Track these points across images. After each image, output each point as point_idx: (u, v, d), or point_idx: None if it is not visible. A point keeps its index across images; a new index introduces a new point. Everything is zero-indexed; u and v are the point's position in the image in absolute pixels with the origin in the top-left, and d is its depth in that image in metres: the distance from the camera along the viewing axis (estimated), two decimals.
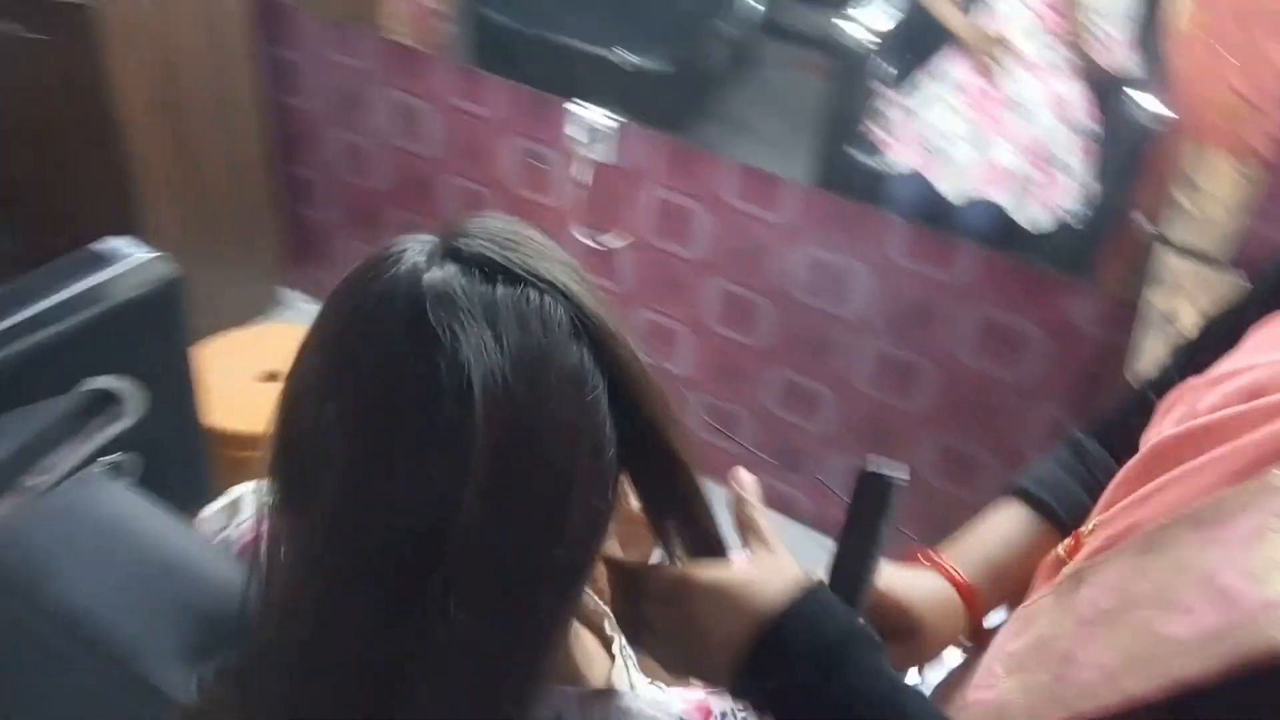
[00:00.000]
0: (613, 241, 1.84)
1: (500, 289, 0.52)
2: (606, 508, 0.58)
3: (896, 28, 2.11)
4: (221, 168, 1.97)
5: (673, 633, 0.64)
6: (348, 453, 0.51)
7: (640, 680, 0.71)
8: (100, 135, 1.80)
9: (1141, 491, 0.58)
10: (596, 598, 0.79)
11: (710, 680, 0.64)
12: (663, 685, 0.74)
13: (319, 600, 0.53)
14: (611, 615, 0.78)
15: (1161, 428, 0.61)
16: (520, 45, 2.41)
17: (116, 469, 1.30)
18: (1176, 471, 0.56)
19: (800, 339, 1.79)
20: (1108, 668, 0.54)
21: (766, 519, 0.65)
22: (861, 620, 0.59)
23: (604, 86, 2.27)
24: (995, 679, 0.65)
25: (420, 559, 0.51)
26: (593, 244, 1.85)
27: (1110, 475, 0.65)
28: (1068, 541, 0.65)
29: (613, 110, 1.77)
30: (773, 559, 0.63)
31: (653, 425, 0.58)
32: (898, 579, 0.69)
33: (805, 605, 0.58)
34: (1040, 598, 0.65)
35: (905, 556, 0.73)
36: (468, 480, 0.50)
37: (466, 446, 0.50)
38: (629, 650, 0.75)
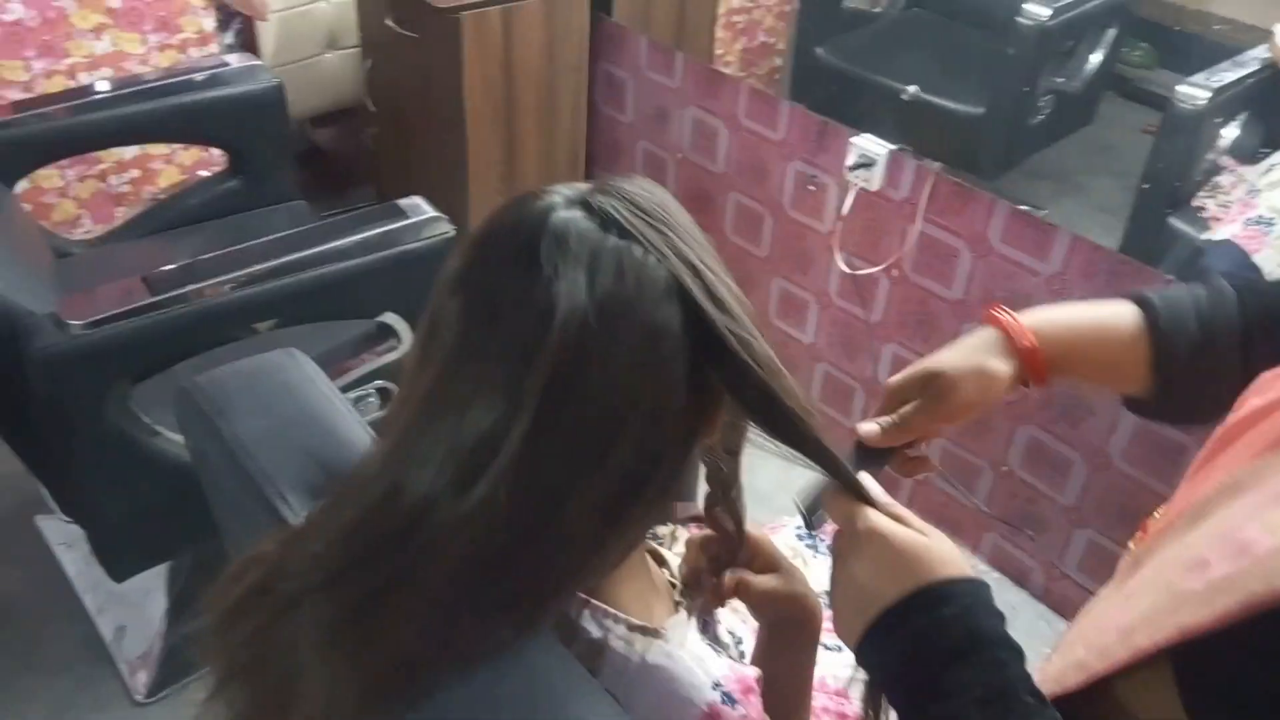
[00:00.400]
0: (872, 271, 1.86)
1: (611, 240, 0.60)
2: (667, 459, 0.62)
3: (1255, 97, 1.93)
4: (540, 166, 2.22)
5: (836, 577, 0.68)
6: (455, 339, 0.61)
7: (694, 637, 0.75)
8: (448, 124, 2.11)
9: (1200, 475, 0.57)
10: (667, 550, 0.84)
11: (844, 627, 0.66)
12: (717, 650, 0.78)
13: (400, 444, 0.62)
14: (676, 568, 0.83)
15: (1238, 411, 0.59)
16: (839, 82, 2.48)
17: (381, 394, 1.54)
18: (1230, 450, 0.55)
19: (1053, 398, 1.69)
20: (1124, 627, 0.53)
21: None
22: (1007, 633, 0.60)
23: (910, 125, 2.28)
24: (1047, 663, 0.64)
25: (484, 444, 0.59)
26: (850, 270, 1.88)
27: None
28: (1138, 534, 0.64)
29: (910, 149, 1.78)
30: (942, 540, 0.64)
31: (764, 395, 0.62)
32: (936, 355, 0.78)
33: (969, 587, 0.61)
34: (1106, 587, 0.64)
35: (982, 317, 0.80)
36: (524, 393, 0.58)
37: (536, 361, 0.58)
38: (693, 606, 0.80)
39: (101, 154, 2.00)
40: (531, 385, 0.57)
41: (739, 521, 0.78)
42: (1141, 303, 0.76)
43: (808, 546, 1.09)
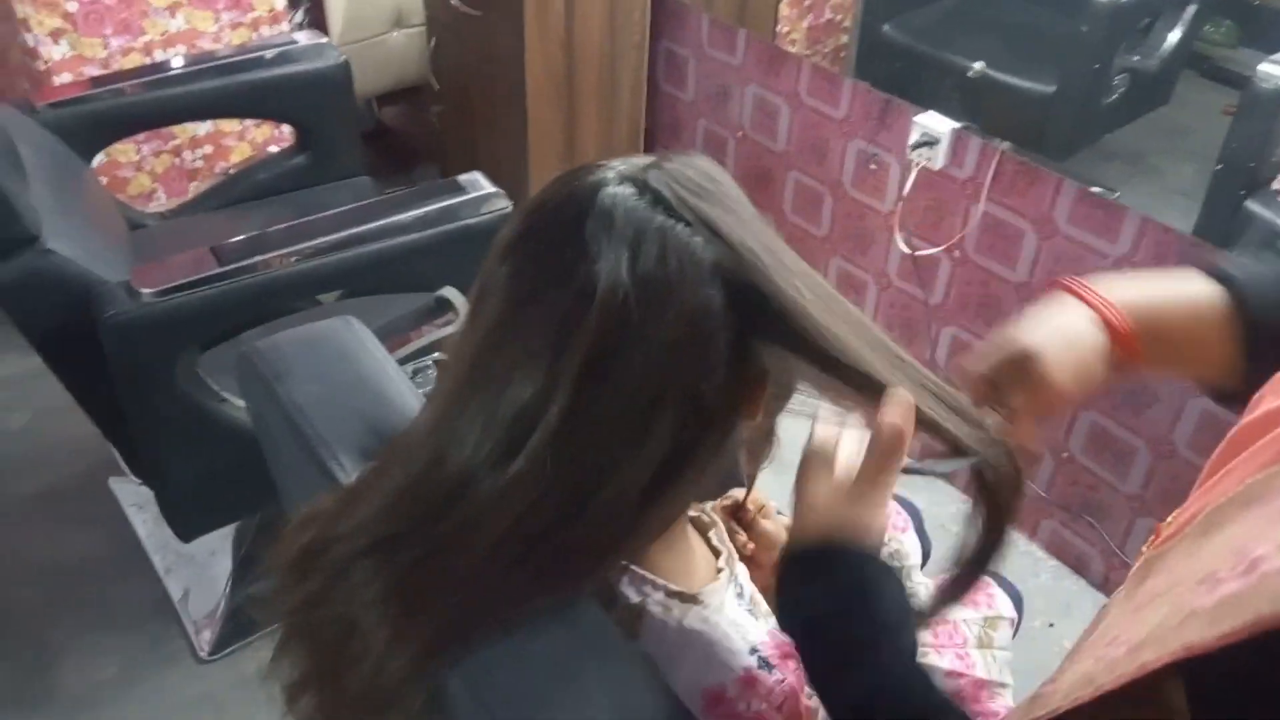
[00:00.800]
0: (932, 251, 1.83)
1: (658, 218, 0.60)
2: (709, 439, 0.63)
3: None
4: (600, 143, 2.23)
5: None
6: (500, 308, 0.61)
7: (733, 603, 0.76)
8: (510, 102, 2.13)
9: (1212, 480, 0.54)
10: (714, 516, 0.85)
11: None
12: (757, 615, 0.78)
13: (444, 412, 0.64)
14: (724, 533, 0.83)
15: (1253, 412, 0.56)
16: (905, 59, 2.44)
17: (439, 366, 1.56)
18: (1244, 454, 0.52)
19: (1117, 386, 1.66)
20: (1133, 642, 0.52)
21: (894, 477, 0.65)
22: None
23: (977, 103, 2.24)
24: (1058, 673, 0.63)
25: (523, 418, 0.60)
26: (910, 251, 1.85)
27: None
28: (1150, 537, 0.61)
29: (975, 128, 1.75)
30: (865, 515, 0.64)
31: (822, 353, 0.61)
32: (1020, 331, 0.71)
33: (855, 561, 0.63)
34: (1116, 593, 0.62)
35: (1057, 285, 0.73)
36: (563, 370, 0.59)
37: (575, 338, 0.58)
38: (738, 573, 0.80)
39: (175, 130, 2.05)
40: (569, 362, 0.58)
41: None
42: (1223, 279, 0.67)
43: None
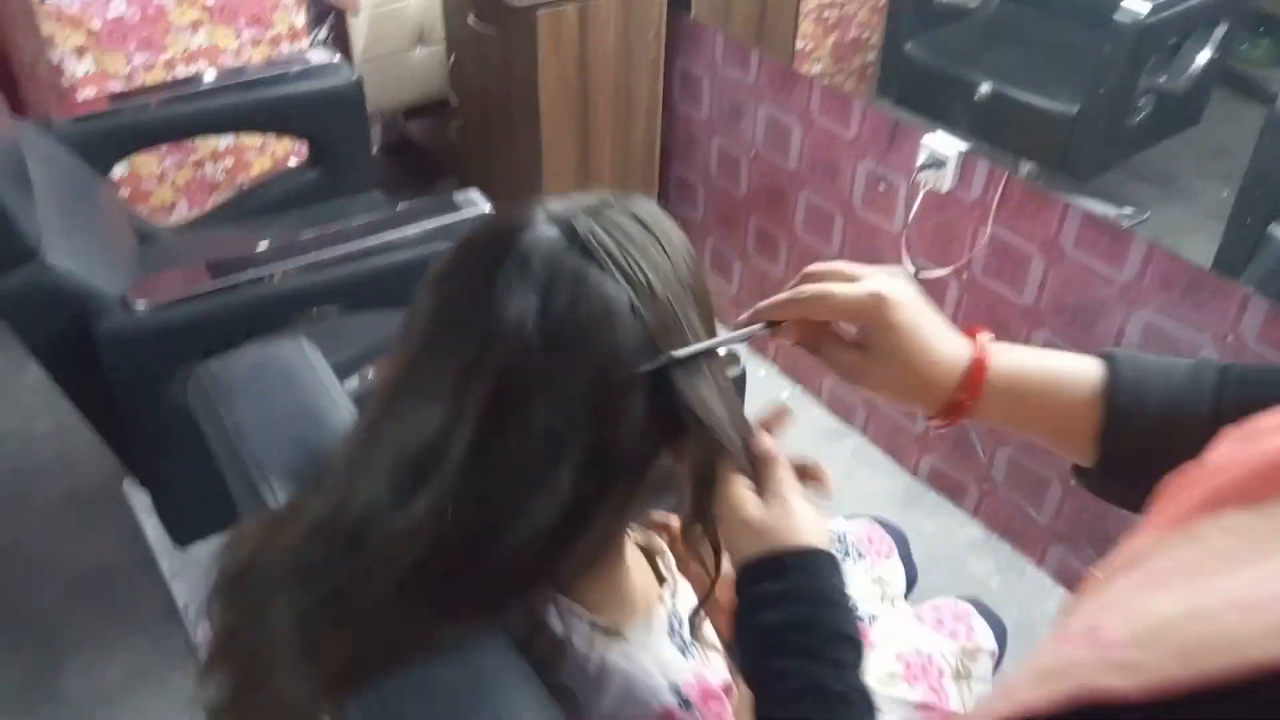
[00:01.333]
0: (939, 273, 1.81)
1: (574, 264, 0.59)
2: (621, 481, 0.63)
3: None
4: (613, 160, 2.23)
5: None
6: (418, 341, 0.62)
7: (660, 638, 0.75)
8: (525, 119, 2.14)
9: (1130, 535, 0.54)
10: (662, 543, 0.84)
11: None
12: (695, 654, 0.78)
13: (360, 444, 0.65)
14: (671, 560, 0.83)
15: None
16: (927, 78, 2.42)
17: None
18: (1153, 513, 0.51)
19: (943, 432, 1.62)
20: (1009, 683, 0.51)
21: (790, 474, 0.66)
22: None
23: (999, 123, 2.21)
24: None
25: (427, 455, 0.60)
26: (918, 272, 1.83)
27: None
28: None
29: (982, 149, 1.73)
30: (797, 518, 0.64)
31: (702, 429, 0.62)
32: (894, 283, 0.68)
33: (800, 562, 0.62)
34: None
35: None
36: (466, 408, 0.58)
37: (476, 380, 0.58)
38: (677, 606, 0.80)
39: (198, 143, 2.10)
40: (471, 403, 0.58)
41: (716, 547, 0.73)
42: (1109, 362, 0.65)
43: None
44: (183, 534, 1.53)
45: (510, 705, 0.58)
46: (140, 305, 1.31)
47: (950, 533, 1.97)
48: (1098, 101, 2.19)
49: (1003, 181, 1.68)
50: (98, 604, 1.78)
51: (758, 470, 0.66)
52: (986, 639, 1.13)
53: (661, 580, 0.83)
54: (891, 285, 0.66)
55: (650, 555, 0.84)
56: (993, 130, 2.25)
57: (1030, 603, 1.82)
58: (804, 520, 0.63)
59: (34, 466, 2.04)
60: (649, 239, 0.63)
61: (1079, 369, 0.66)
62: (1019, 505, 1.85)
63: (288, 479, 0.74)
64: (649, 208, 0.65)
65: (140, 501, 1.94)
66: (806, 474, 0.68)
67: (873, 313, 0.65)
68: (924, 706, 1.04)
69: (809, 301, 0.67)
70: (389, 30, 2.41)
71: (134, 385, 1.35)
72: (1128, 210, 2.20)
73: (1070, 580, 1.81)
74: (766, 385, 2.30)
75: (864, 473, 2.09)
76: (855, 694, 0.60)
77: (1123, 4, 2.03)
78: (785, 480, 0.65)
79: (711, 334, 0.66)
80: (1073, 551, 1.79)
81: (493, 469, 0.59)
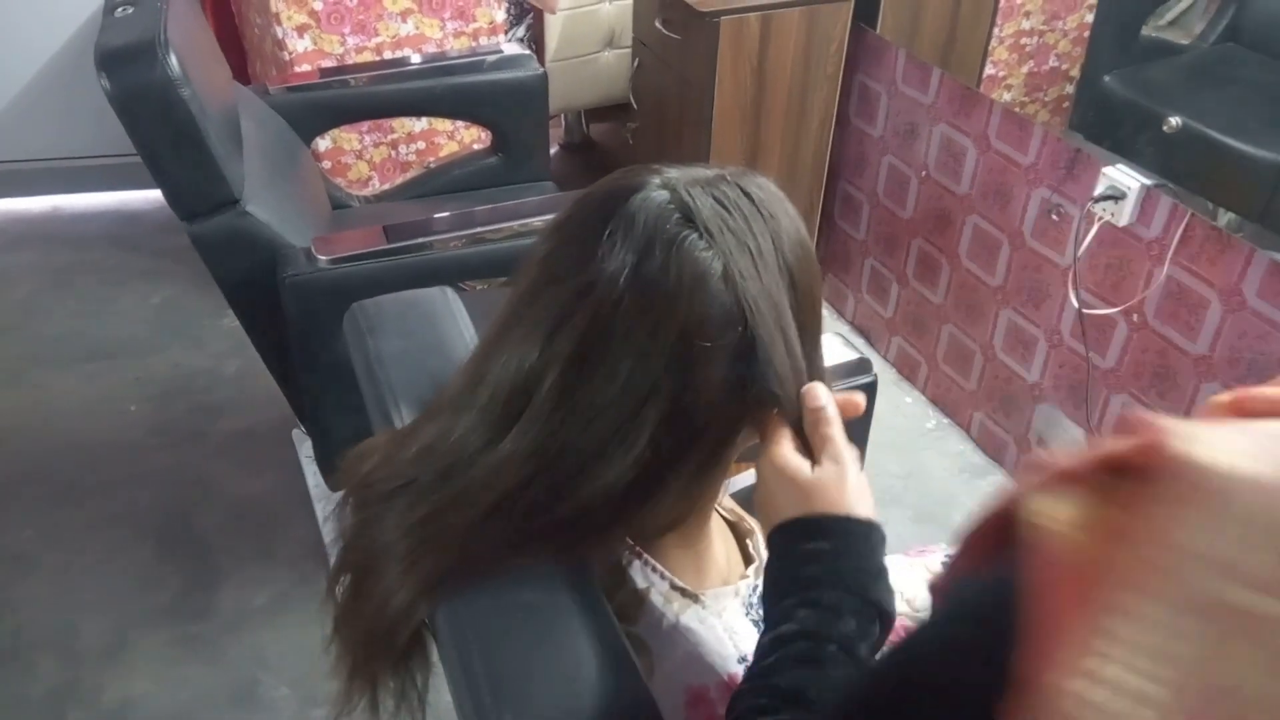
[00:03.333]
0: (1108, 311, 1.73)
1: (675, 229, 0.62)
2: (700, 445, 0.65)
3: None
4: (780, 172, 2.25)
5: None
6: (528, 285, 0.67)
7: (736, 610, 0.76)
8: (697, 125, 2.19)
9: None
10: (754, 523, 0.85)
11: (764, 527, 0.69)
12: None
13: (467, 378, 0.69)
14: (761, 541, 0.84)
15: None
16: (1122, 113, 2.31)
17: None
18: None
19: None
20: None
21: (843, 435, 0.67)
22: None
23: (1194, 167, 2.09)
24: None
25: (519, 396, 0.64)
26: (1083, 309, 1.75)
27: None
28: None
29: (1169, 185, 1.65)
30: (844, 481, 0.65)
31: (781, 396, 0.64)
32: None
33: (845, 526, 0.63)
34: None
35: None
36: (555, 353, 0.62)
37: (565, 329, 0.62)
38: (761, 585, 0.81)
39: (395, 125, 2.26)
40: (561, 346, 0.62)
41: None
42: None
43: None
44: (335, 480, 1.65)
45: (583, 631, 0.61)
46: (321, 258, 1.42)
47: None
48: None
49: (1185, 220, 1.59)
50: (255, 535, 1.93)
51: (811, 431, 0.66)
52: None
53: (749, 560, 0.84)
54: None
55: (740, 534, 0.86)
56: (1185, 172, 2.12)
57: None
58: (855, 486, 0.64)
59: (218, 403, 2.23)
60: (755, 214, 0.64)
61: None
62: None
63: (416, 406, 0.80)
64: (764, 185, 0.67)
65: (305, 448, 2.09)
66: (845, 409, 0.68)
67: None
68: None
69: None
70: (582, 31, 2.51)
71: (308, 333, 1.47)
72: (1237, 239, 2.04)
73: None
74: (913, 412, 2.25)
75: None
76: (845, 657, 0.60)
77: None
78: (839, 443, 0.66)
79: (812, 320, 0.67)
80: None
81: (576, 416, 0.62)
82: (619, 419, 0.61)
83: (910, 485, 2.07)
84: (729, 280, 0.61)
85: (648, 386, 0.61)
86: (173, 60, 1.31)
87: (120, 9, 1.39)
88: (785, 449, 0.65)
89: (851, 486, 0.63)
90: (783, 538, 0.64)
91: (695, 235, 0.61)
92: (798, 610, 0.60)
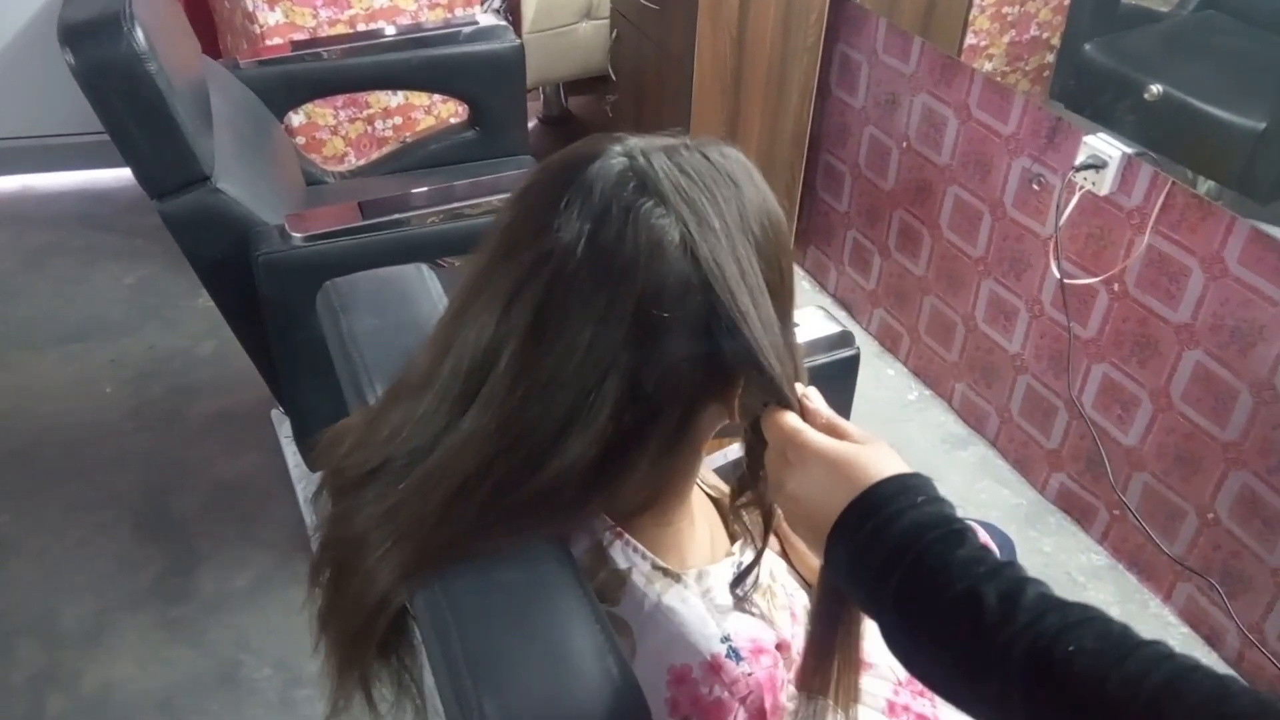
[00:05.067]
0: (1089, 281, 1.72)
1: (632, 197, 0.60)
2: (664, 416, 0.63)
3: None
4: (760, 144, 2.23)
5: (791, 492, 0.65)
6: (489, 253, 0.65)
7: (720, 589, 0.75)
8: (676, 96, 2.17)
9: None
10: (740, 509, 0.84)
11: (807, 540, 0.65)
12: (759, 609, 0.78)
13: (430, 354, 0.67)
14: (747, 519, 0.83)
15: None
16: (1101, 82, 2.30)
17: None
18: None
19: (1276, 446, 1.51)
20: None
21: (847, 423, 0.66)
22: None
23: (1174, 135, 2.08)
24: None
25: (479, 370, 0.63)
26: (1065, 279, 1.75)
27: None
28: None
29: (1170, 159, 1.64)
30: (875, 445, 0.64)
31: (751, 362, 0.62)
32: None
33: (900, 484, 0.60)
34: None
35: None
36: (513, 325, 0.61)
37: (523, 299, 0.61)
38: (743, 561, 0.80)
39: (371, 100, 2.22)
40: (519, 316, 0.60)
41: (766, 514, 0.74)
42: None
43: None
44: (313, 460, 1.63)
45: (564, 610, 0.60)
46: (296, 236, 1.40)
47: (1070, 556, 1.88)
48: None
49: (1166, 189, 1.59)
50: (235, 517, 1.92)
51: (813, 417, 0.66)
52: None
53: (734, 537, 0.83)
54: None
55: (723, 510, 0.85)
56: (1165, 140, 2.12)
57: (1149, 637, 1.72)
58: (878, 450, 0.62)
59: (194, 384, 2.21)
60: (718, 181, 0.62)
61: None
62: (1148, 535, 1.75)
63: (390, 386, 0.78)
64: (728, 153, 0.65)
65: (284, 428, 2.07)
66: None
67: None
68: (921, 718, 0.98)
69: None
70: (559, 2, 2.48)
71: (283, 310, 1.45)
72: (1268, 229, 2.04)
73: (1196, 619, 1.71)
74: (895, 384, 2.25)
75: (985, 484, 2.02)
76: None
77: None
78: (844, 422, 0.65)
79: (784, 287, 0.66)
80: (1202, 590, 1.68)
81: (535, 391, 0.61)
82: (579, 393, 0.60)
83: None
84: (687, 248, 0.60)
85: (608, 359, 0.60)
86: (139, 34, 1.28)
87: None
88: (796, 424, 0.64)
89: (874, 449, 0.63)
90: (843, 531, 0.60)
91: (652, 203, 0.60)
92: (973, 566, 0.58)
